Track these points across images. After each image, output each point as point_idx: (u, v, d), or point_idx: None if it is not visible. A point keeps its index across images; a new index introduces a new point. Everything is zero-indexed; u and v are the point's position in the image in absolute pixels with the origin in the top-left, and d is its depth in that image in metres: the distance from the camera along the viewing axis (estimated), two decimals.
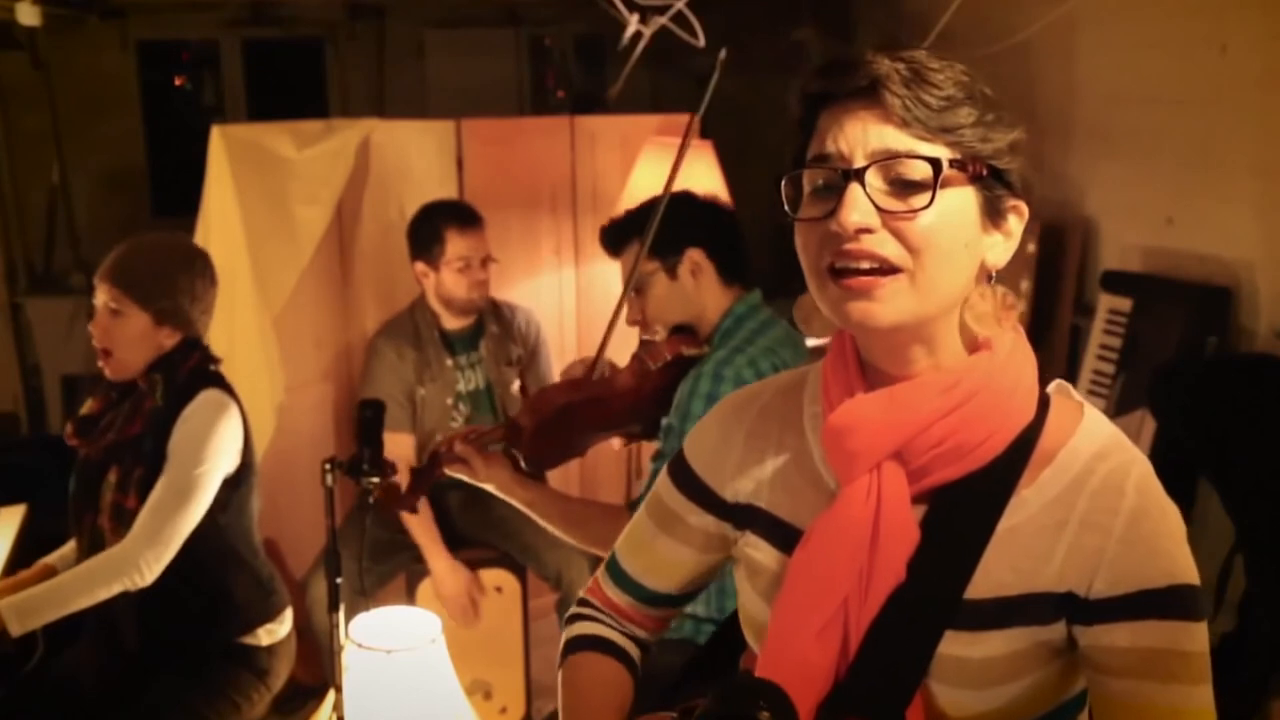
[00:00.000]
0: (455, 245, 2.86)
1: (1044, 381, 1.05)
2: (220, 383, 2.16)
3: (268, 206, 2.94)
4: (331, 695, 1.79)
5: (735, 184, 3.27)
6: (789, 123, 1.02)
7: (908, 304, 0.94)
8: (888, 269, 0.93)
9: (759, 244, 2.16)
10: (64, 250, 5.41)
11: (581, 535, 1.91)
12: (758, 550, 1.10)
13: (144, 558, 2.02)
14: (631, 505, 1.93)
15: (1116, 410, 2.76)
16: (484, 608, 2.97)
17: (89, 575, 2.02)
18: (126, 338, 2.10)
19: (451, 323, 2.99)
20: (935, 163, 0.92)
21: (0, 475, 3.12)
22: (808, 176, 0.98)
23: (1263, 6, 2.50)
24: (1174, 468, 2.10)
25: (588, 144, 3.49)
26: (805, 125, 1.00)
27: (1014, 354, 1.00)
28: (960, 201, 0.95)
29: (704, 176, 3.11)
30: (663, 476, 1.21)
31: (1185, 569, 0.95)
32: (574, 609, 1.29)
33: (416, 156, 3.28)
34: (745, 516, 1.12)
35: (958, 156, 0.94)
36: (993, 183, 0.96)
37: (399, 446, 2.87)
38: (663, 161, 2.99)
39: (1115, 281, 2.96)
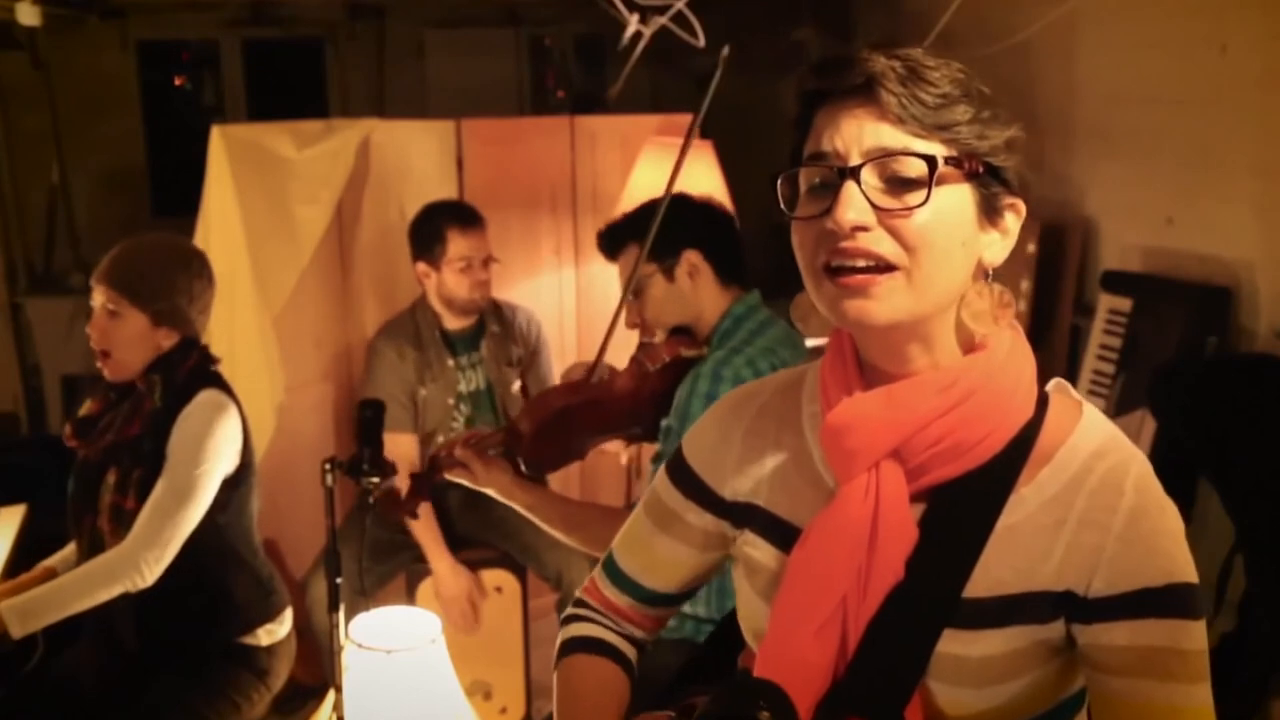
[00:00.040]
0: (457, 245, 2.87)
1: (1043, 380, 1.05)
2: (219, 383, 2.16)
3: (268, 206, 2.94)
4: (331, 695, 1.79)
5: (735, 184, 3.27)
6: (788, 122, 1.02)
7: (904, 302, 0.94)
8: (884, 267, 0.93)
9: (760, 244, 2.16)
10: (64, 250, 5.42)
11: (583, 538, 1.91)
12: (756, 549, 1.10)
13: (144, 559, 2.02)
14: (632, 508, 1.93)
15: (1116, 410, 2.76)
16: (484, 608, 2.97)
17: (90, 577, 2.02)
18: (124, 339, 2.10)
19: (452, 323, 2.99)
20: (930, 160, 0.92)
21: (0, 475, 3.12)
22: (804, 175, 0.98)
23: (1263, 6, 2.50)
24: (1174, 468, 2.10)
25: (588, 144, 3.49)
26: (801, 123, 1.00)
27: (1013, 352, 1.00)
28: (956, 199, 0.95)
29: (704, 176, 3.11)
30: (661, 475, 1.21)
31: (1184, 567, 0.95)
32: (570, 609, 1.28)
33: (416, 156, 3.28)
34: (744, 515, 1.12)
35: (953, 154, 0.94)
36: (989, 180, 0.96)
37: (402, 447, 2.87)
38: (663, 161, 2.99)
39: (1115, 281, 2.96)
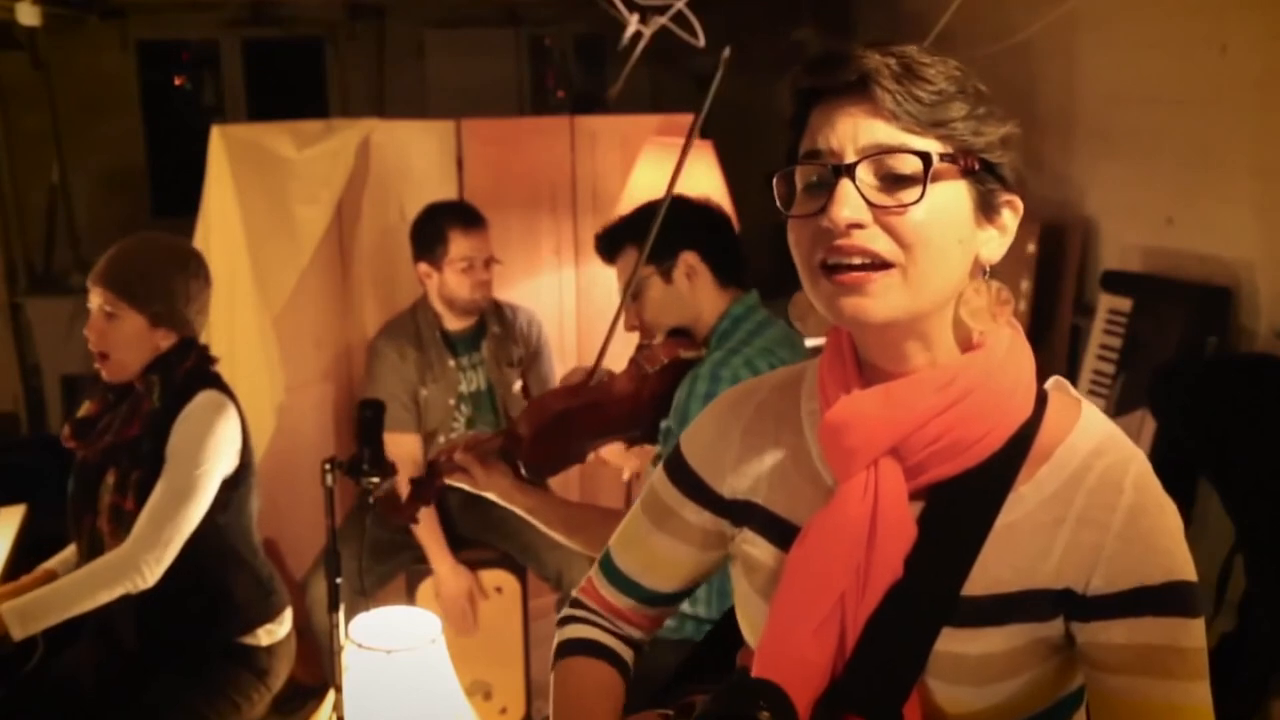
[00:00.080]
0: (458, 246, 2.87)
1: (1042, 380, 1.04)
2: (218, 383, 2.16)
3: (268, 206, 2.94)
4: (331, 695, 1.79)
5: (735, 184, 3.27)
6: (787, 122, 1.02)
7: (900, 299, 0.94)
8: (880, 264, 0.93)
9: (760, 244, 2.16)
10: (64, 250, 5.42)
11: (583, 540, 1.91)
12: (755, 547, 1.10)
13: (145, 560, 2.02)
14: None
15: (1116, 410, 2.76)
16: (484, 608, 2.97)
17: (90, 578, 2.02)
18: (122, 340, 2.10)
19: (453, 323, 3.00)
20: (925, 156, 0.92)
21: (0, 475, 3.12)
22: (800, 173, 0.98)
23: (1263, 6, 2.50)
24: (1174, 468, 2.09)
25: (588, 144, 3.49)
26: (797, 122, 1.00)
27: (1011, 350, 1.00)
28: (953, 196, 0.95)
29: (704, 177, 3.11)
30: (659, 473, 1.20)
31: (1183, 566, 0.95)
32: (567, 610, 1.28)
33: (416, 156, 3.28)
34: (742, 513, 1.12)
35: (949, 150, 0.94)
36: (986, 177, 0.96)
37: (405, 447, 2.88)
38: (663, 161, 2.99)
39: (1115, 281, 2.95)
